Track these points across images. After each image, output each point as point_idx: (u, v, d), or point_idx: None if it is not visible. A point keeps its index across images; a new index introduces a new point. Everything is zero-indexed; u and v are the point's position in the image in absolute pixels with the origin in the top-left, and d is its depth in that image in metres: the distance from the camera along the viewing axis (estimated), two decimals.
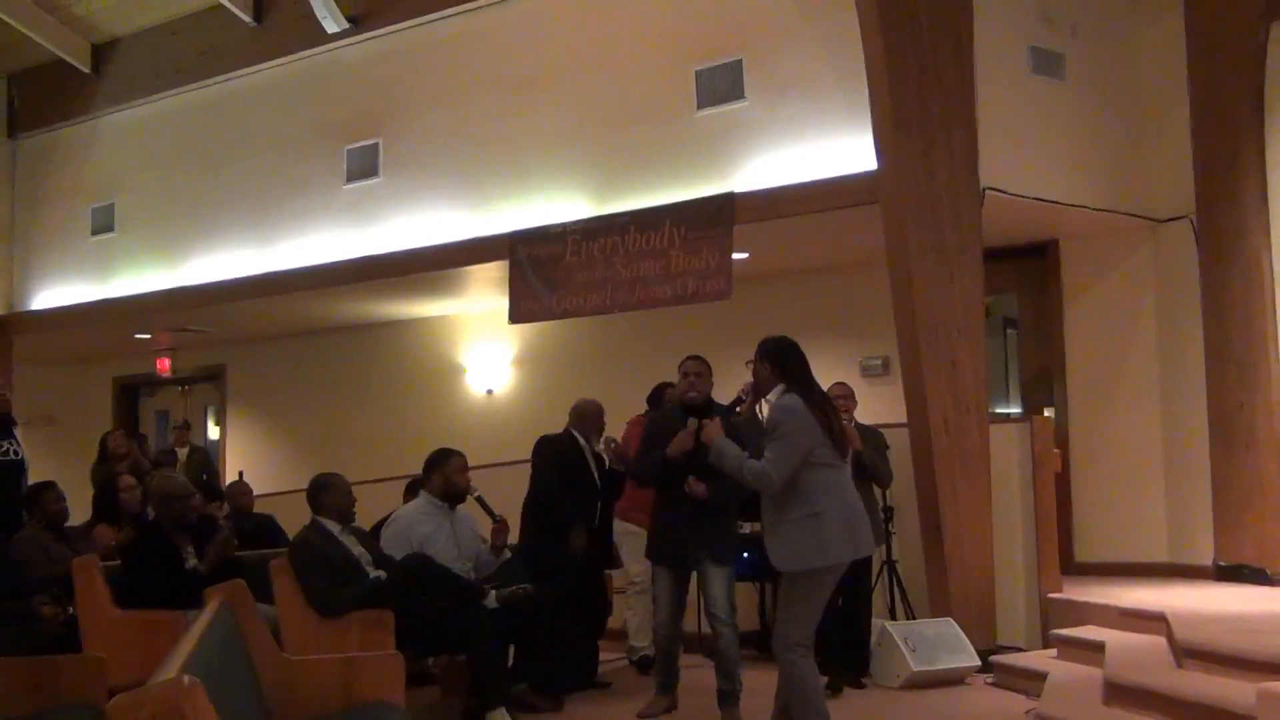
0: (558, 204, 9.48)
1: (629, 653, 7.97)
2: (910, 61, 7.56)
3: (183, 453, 10.95)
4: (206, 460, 10.88)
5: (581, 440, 7.40)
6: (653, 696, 6.45)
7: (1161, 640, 6.07)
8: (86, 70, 12.62)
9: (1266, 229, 7.88)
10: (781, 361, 5.34)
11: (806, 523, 5.09)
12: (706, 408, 6.10)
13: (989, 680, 6.98)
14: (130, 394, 14.82)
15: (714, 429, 5.48)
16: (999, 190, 7.83)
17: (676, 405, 6.52)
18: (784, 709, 5.35)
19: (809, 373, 5.34)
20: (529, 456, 7.57)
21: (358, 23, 10.50)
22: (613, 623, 8.02)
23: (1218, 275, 8.18)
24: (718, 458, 5.38)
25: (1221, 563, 8.06)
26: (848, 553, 5.17)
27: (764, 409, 5.46)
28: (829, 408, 5.27)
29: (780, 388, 5.28)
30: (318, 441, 12.15)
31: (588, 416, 7.48)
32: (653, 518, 6.59)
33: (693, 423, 5.98)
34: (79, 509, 8.49)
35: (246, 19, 11.29)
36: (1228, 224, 8.08)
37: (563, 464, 7.29)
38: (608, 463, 7.39)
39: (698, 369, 6.31)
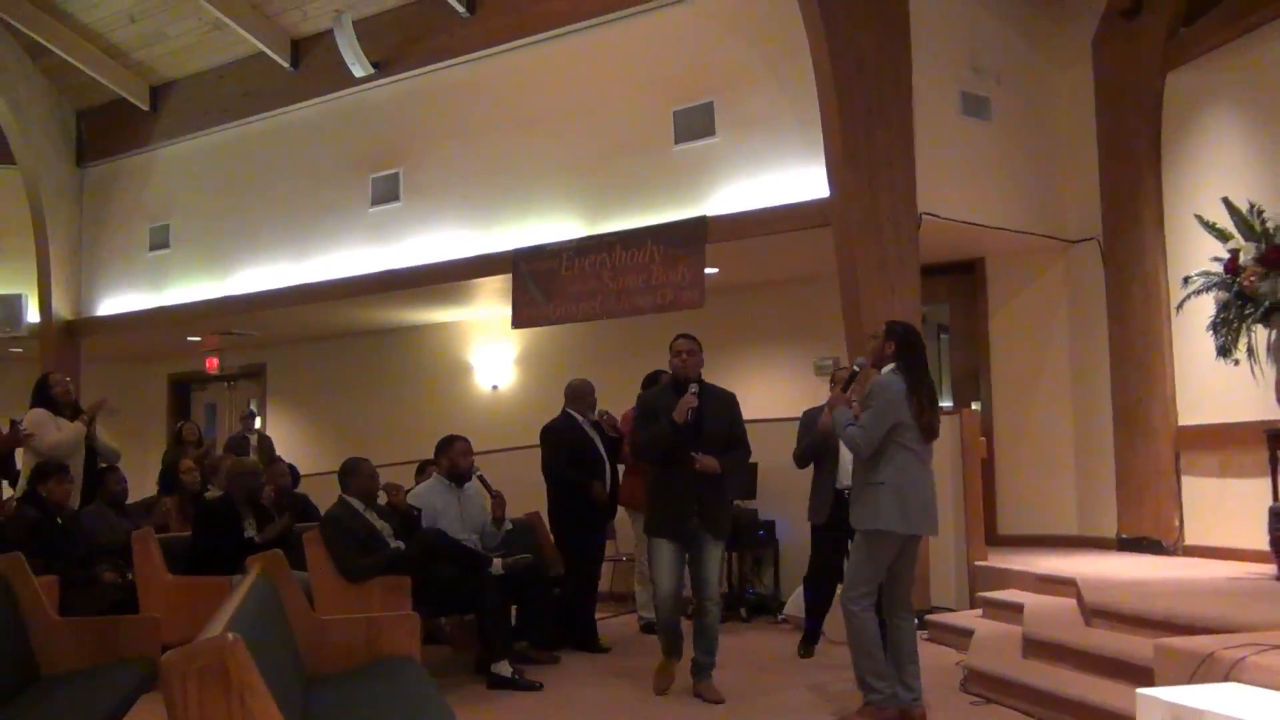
0: (554, 225, 9.47)
1: (638, 620, 7.81)
2: (858, 104, 7.57)
3: (253, 438, 10.94)
4: (272, 446, 10.84)
5: (579, 417, 7.29)
6: (661, 664, 5.91)
7: (1072, 602, 6.08)
8: (145, 108, 12.57)
9: (1163, 249, 7.91)
10: (903, 345, 5.10)
11: (872, 490, 4.98)
12: (698, 383, 5.71)
13: (925, 636, 6.97)
14: (182, 389, 14.75)
15: (837, 397, 5.24)
16: (934, 215, 7.85)
17: (668, 383, 6.01)
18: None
19: (925, 365, 5.15)
20: (530, 443, 7.57)
21: (381, 68, 10.48)
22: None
23: (1120, 288, 8.21)
24: (838, 417, 5.12)
25: (1123, 535, 8.08)
26: (901, 526, 4.96)
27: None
28: (928, 401, 5.03)
29: (891, 366, 5.07)
30: (346, 430, 12.11)
31: (581, 394, 7.38)
32: (651, 492, 5.97)
33: (694, 386, 5.64)
34: (137, 489, 8.48)
35: (285, 65, 11.27)
36: (1129, 244, 8.11)
37: (567, 443, 7.20)
38: (605, 431, 7.30)
39: (689, 346, 5.84)
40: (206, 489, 8.07)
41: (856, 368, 5.38)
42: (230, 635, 2.42)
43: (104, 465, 7.76)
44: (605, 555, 7.73)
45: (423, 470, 7.63)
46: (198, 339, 13.14)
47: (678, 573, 5.78)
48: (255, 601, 3.53)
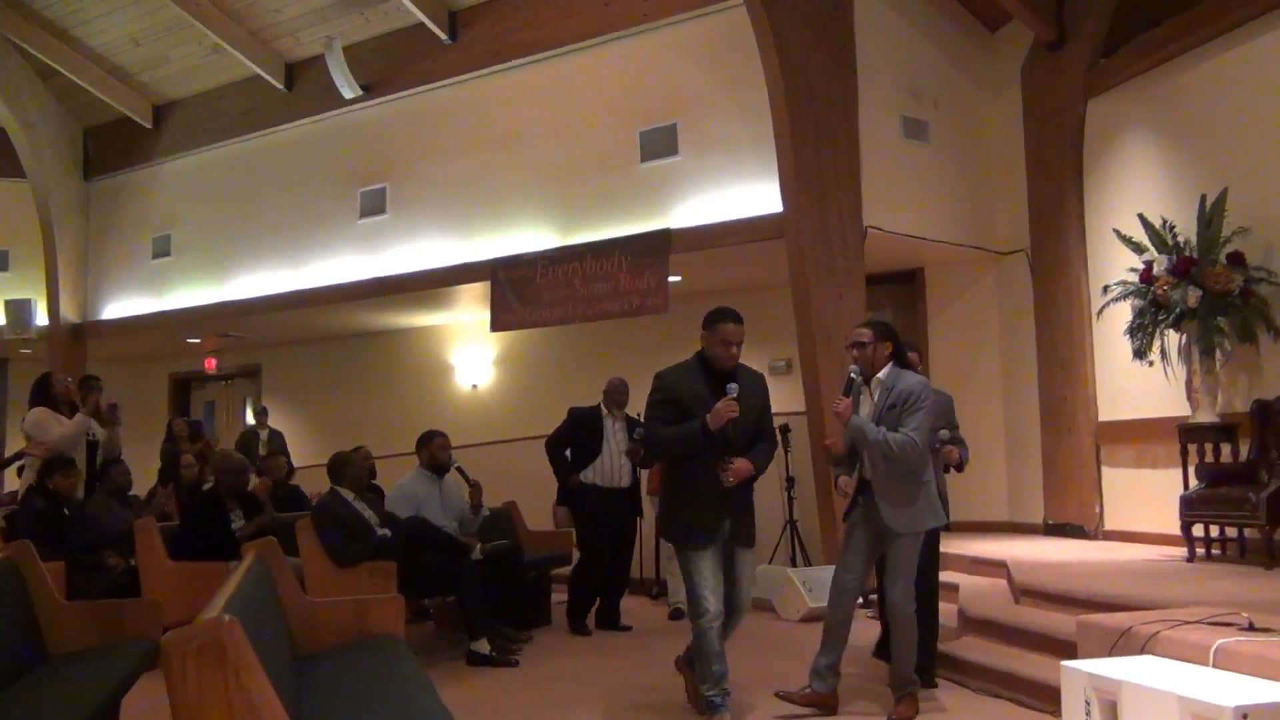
0: (529, 236, 9.45)
1: (670, 606, 7.68)
2: (808, 127, 7.60)
3: (263, 434, 10.82)
4: (283, 441, 10.74)
5: (605, 411, 7.20)
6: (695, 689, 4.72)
7: (1003, 582, 6.13)
8: (149, 126, 12.43)
9: (1085, 260, 7.98)
10: (897, 344, 4.73)
11: (922, 489, 4.61)
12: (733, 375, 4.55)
13: (869, 615, 7.00)
14: (183, 388, 14.58)
15: (846, 406, 4.51)
16: (878, 228, 7.89)
17: (695, 367, 4.65)
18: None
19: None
20: (507, 438, 7.59)
21: (369, 90, 10.42)
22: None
23: (1046, 296, 8.27)
24: (858, 434, 4.51)
25: (1049, 521, 8.15)
26: (941, 520, 4.78)
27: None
28: None
29: (891, 365, 4.64)
30: (336, 426, 12.00)
31: (609, 392, 7.27)
32: (676, 495, 4.78)
33: (733, 388, 4.46)
34: (141, 480, 8.37)
35: (279, 86, 11.20)
36: (1054, 256, 8.18)
37: (575, 425, 7.17)
38: (634, 434, 7.08)
39: (739, 335, 4.55)
40: (204, 481, 7.98)
41: (854, 376, 4.66)
42: (226, 617, 2.40)
43: (107, 459, 7.65)
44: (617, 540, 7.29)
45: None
46: (197, 341, 12.99)
47: (719, 584, 4.51)
48: (250, 585, 3.49)
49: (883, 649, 5.23)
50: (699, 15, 8.60)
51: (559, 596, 7.75)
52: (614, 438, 7.13)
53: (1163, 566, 6.16)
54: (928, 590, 4.94)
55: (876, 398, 4.65)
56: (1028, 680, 4.63)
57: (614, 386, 7.29)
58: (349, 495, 6.30)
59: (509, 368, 11.44)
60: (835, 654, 4.70)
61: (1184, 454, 6.53)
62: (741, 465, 4.48)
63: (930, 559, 5.00)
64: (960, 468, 5.55)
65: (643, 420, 4.92)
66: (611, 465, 7.10)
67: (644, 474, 7.45)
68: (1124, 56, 7.66)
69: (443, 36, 9.92)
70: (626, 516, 7.30)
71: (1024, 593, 5.64)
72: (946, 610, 6.09)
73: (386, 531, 6.20)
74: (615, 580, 7.22)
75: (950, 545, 7.50)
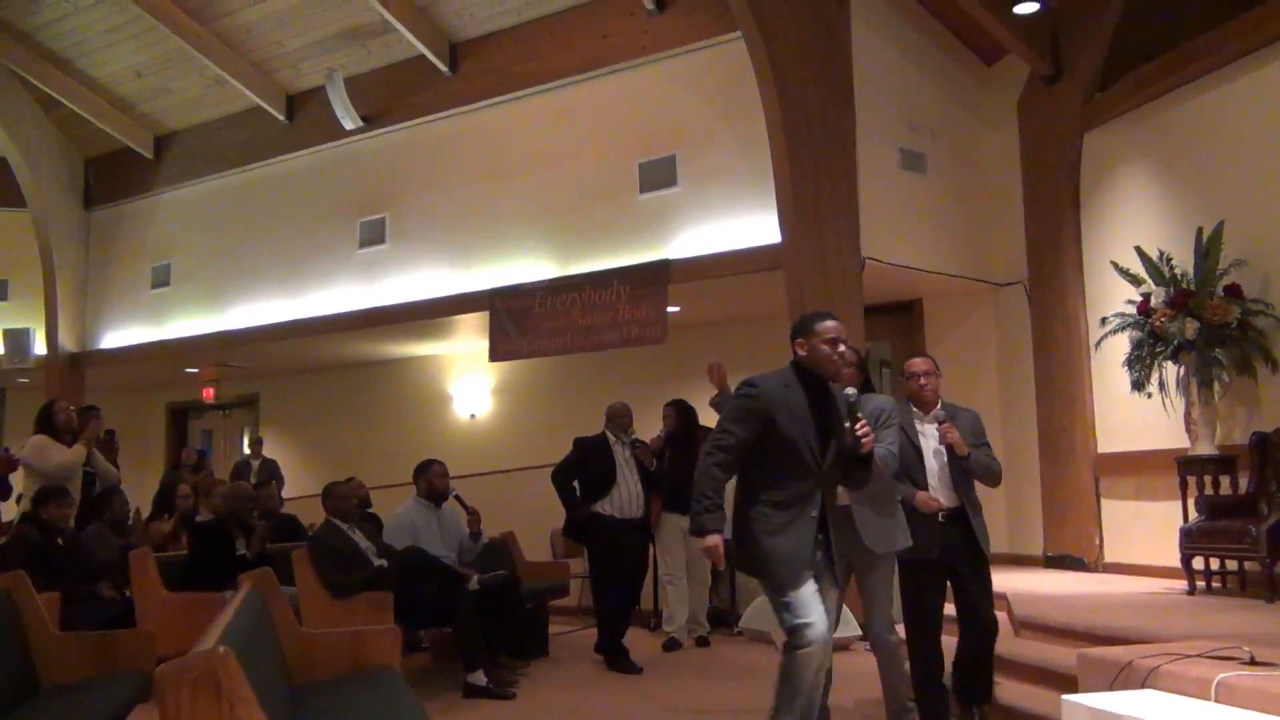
0: (528, 266, 9.47)
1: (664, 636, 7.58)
2: (806, 159, 7.63)
3: (256, 464, 10.81)
4: (274, 469, 10.74)
5: (611, 437, 6.98)
6: None
7: (1003, 614, 6.05)
8: (149, 156, 12.48)
9: (1082, 292, 8.00)
10: (865, 371, 4.78)
11: (896, 508, 4.56)
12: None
13: (867, 648, 6.95)
14: (180, 417, 14.58)
15: (868, 430, 4.04)
16: (876, 259, 7.90)
17: (792, 376, 4.07)
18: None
19: None
20: (505, 468, 7.57)
21: (369, 121, 10.48)
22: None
23: (1044, 328, 8.28)
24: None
25: (1049, 553, 8.11)
26: (909, 540, 4.61)
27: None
28: None
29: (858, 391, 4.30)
30: (334, 456, 11.98)
31: (612, 417, 7.06)
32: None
33: (851, 393, 4.08)
34: (138, 510, 8.35)
35: (280, 118, 11.26)
36: (1052, 288, 8.20)
37: (584, 456, 6.95)
38: (639, 459, 6.90)
39: (846, 334, 4.14)
40: (198, 512, 7.96)
41: (852, 399, 4.11)
42: (221, 648, 2.39)
43: (106, 488, 7.63)
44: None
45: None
46: (195, 370, 13.00)
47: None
48: (245, 616, 3.48)
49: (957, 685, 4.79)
50: (698, 48, 8.67)
51: (556, 628, 7.71)
52: (626, 465, 6.91)
53: (1163, 599, 6.13)
54: (985, 626, 4.74)
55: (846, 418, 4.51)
56: (1028, 714, 4.60)
57: (617, 411, 7.10)
58: (343, 525, 6.27)
59: (507, 398, 11.43)
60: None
61: (1183, 486, 6.51)
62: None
63: (984, 590, 4.80)
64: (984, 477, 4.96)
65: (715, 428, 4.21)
66: (627, 495, 6.87)
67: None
68: (1120, 90, 7.71)
69: (443, 68, 10.00)
70: (641, 549, 7.20)
71: (1024, 625, 5.61)
72: (946, 643, 6.06)
73: (383, 562, 6.17)
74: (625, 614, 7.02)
75: None
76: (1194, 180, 7.07)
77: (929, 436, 4.76)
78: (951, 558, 4.68)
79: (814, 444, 3.93)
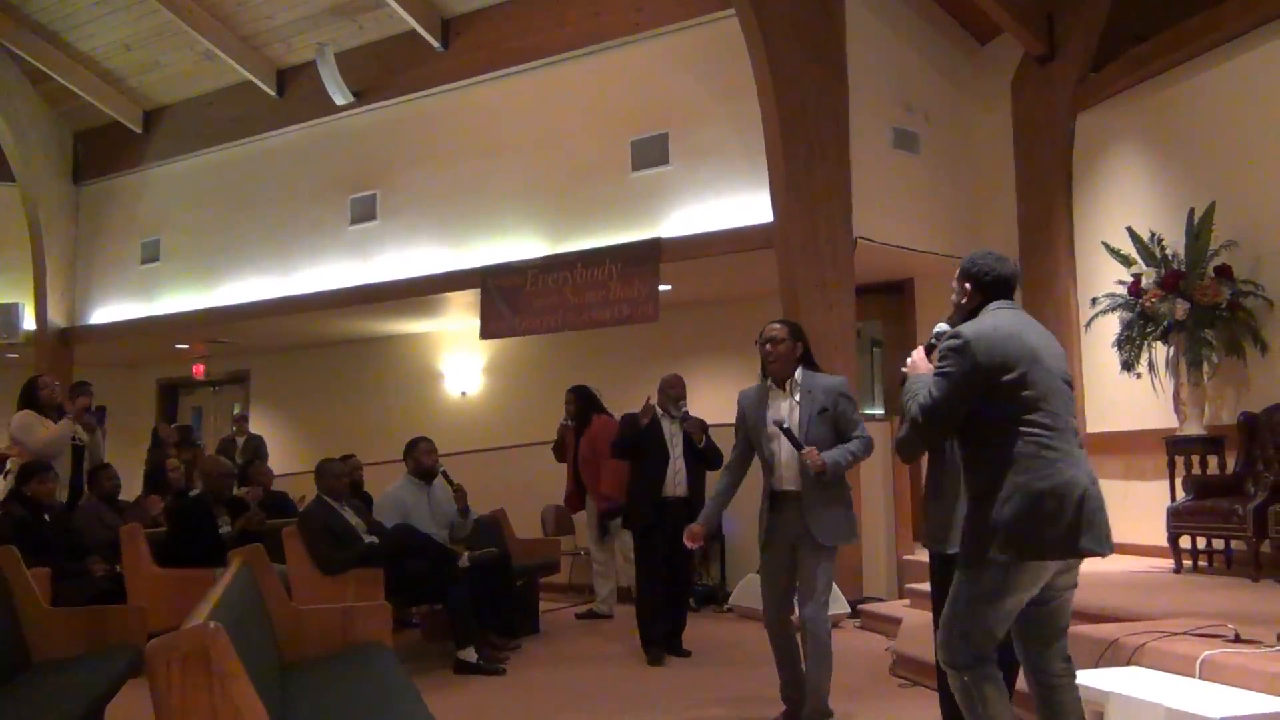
0: (520, 244, 9.45)
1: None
2: (799, 138, 7.62)
3: (241, 440, 10.82)
4: (260, 445, 10.73)
5: (660, 412, 6.42)
6: None
7: None
8: (139, 131, 12.40)
9: (1073, 272, 8.01)
10: (806, 345, 4.60)
11: (848, 501, 4.56)
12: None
13: (858, 624, 7.03)
14: (170, 393, 14.55)
15: (818, 459, 4.31)
16: (868, 239, 7.91)
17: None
18: None
19: None
20: (496, 445, 7.58)
21: (360, 97, 10.42)
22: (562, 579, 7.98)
23: (1035, 308, 8.25)
24: (838, 470, 4.40)
25: None
26: (856, 536, 4.57)
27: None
28: None
29: (802, 368, 4.51)
30: (325, 432, 11.98)
31: (662, 389, 6.48)
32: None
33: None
34: (130, 486, 8.33)
35: (270, 93, 11.19)
36: (1043, 268, 8.21)
37: (637, 433, 6.37)
38: (689, 434, 6.29)
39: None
40: (190, 487, 7.95)
41: (782, 424, 4.42)
42: (212, 624, 2.39)
43: (94, 465, 7.61)
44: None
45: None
46: (185, 346, 12.96)
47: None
48: (236, 592, 3.48)
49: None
50: (691, 25, 8.63)
51: (547, 605, 7.74)
52: (672, 440, 6.37)
53: (1150, 578, 6.17)
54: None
55: (800, 400, 4.46)
56: (1014, 692, 4.62)
57: (670, 383, 6.49)
58: (334, 502, 6.27)
59: (499, 375, 11.43)
60: (792, 672, 4.50)
61: (1171, 466, 6.55)
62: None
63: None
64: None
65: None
66: (671, 471, 6.33)
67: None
68: (1113, 71, 7.70)
69: (435, 44, 9.93)
70: (683, 528, 6.68)
71: None
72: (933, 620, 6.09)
73: (374, 539, 6.18)
74: (677, 600, 6.46)
75: None
76: (1186, 161, 7.07)
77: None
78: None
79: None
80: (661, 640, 6.19)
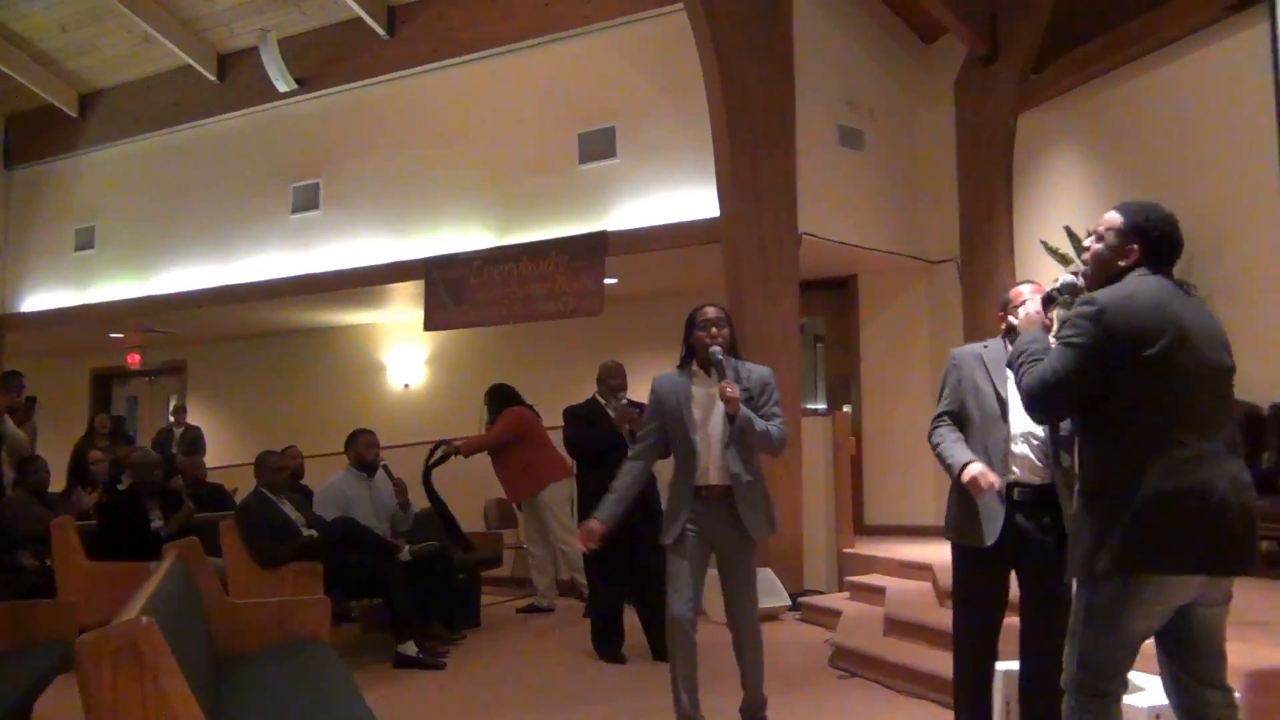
0: (465, 236, 9.39)
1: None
2: (746, 134, 7.65)
3: (179, 431, 10.63)
4: (197, 437, 10.55)
5: (601, 401, 6.16)
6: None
7: (928, 585, 6.20)
8: (74, 115, 12.11)
9: (1012, 270, 8.14)
10: (733, 332, 4.31)
11: (767, 491, 4.29)
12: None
13: (797, 617, 7.09)
14: (104, 383, 14.24)
15: (735, 390, 4.05)
16: (812, 235, 7.97)
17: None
18: None
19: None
20: (439, 439, 7.51)
21: (304, 84, 10.28)
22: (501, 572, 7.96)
23: (975, 304, 8.41)
24: (748, 424, 4.05)
25: None
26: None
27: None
28: None
29: (729, 355, 4.19)
30: (265, 424, 11.81)
31: (602, 378, 6.23)
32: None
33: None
34: (59, 477, 8.15)
35: (211, 78, 11.00)
36: (983, 265, 8.33)
37: (581, 426, 6.08)
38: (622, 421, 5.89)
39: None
40: (119, 480, 7.79)
41: (719, 356, 4.16)
42: (144, 619, 2.35)
43: (25, 457, 7.44)
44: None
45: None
46: (120, 336, 12.70)
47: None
48: (170, 586, 3.42)
49: None
50: (639, 19, 8.63)
51: (489, 598, 7.72)
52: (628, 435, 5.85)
53: None
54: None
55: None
56: (950, 681, 4.69)
57: (609, 371, 6.24)
58: (272, 495, 6.19)
59: (442, 367, 11.36)
60: (692, 679, 4.17)
61: None
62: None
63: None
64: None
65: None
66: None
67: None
68: (1054, 72, 7.84)
69: (380, 32, 9.83)
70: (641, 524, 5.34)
71: (949, 595, 5.70)
72: (873, 611, 6.18)
73: (313, 532, 6.11)
74: (648, 599, 5.75)
75: (878, 549, 7.63)
76: (1122, 162, 7.22)
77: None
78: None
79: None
80: (618, 638, 6.01)
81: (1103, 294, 2.68)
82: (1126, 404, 2.60)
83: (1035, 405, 2.76)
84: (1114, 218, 2.80)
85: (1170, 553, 2.51)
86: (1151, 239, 2.77)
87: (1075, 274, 2.84)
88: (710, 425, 4.17)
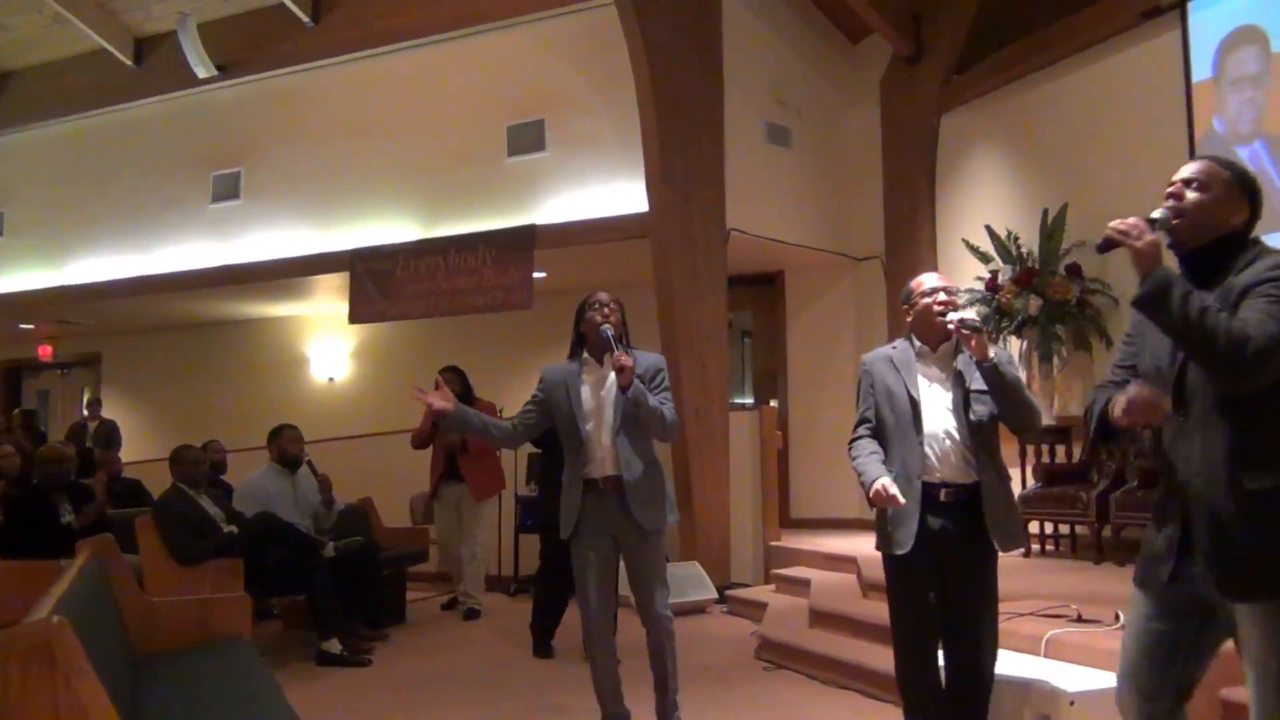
0: (392, 227, 9.27)
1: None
2: (675, 129, 7.67)
3: (93, 425, 10.28)
4: (113, 431, 10.23)
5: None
6: None
7: (852, 578, 6.29)
8: None
9: (935, 268, 8.28)
10: (624, 318, 4.15)
11: (664, 480, 4.17)
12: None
13: (724, 610, 7.14)
14: (13, 376, 13.79)
15: (629, 361, 3.91)
16: (740, 231, 8.03)
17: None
18: None
19: None
20: (364, 432, 7.39)
21: (224, 70, 10.04)
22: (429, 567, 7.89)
23: (899, 301, 8.55)
24: (643, 397, 3.89)
25: None
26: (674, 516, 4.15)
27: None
28: None
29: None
30: (183, 418, 11.52)
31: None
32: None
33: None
34: None
35: (128, 62, 10.68)
36: (907, 263, 8.45)
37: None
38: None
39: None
40: (31, 476, 7.52)
41: (610, 334, 4.02)
42: (56, 618, 2.29)
43: None
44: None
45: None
46: (31, 326, 12.29)
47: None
48: (83, 584, 3.33)
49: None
50: (569, 12, 8.59)
51: (414, 594, 7.64)
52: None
53: (1000, 561, 6.43)
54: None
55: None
56: (873, 671, 4.77)
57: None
58: (190, 490, 6.05)
59: (367, 361, 11.21)
60: (615, 685, 4.10)
61: (1022, 455, 6.85)
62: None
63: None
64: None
65: None
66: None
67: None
68: (976, 74, 7.99)
69: (304, 18, 9.64)
70: None
71: (871, 587, 5.81)
72: (798, 604, 6.24)
73: (233, 528, 5.99)
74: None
75: (804, 542, 7.71)
76: (1041, 163, 7.40)
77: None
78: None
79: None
80: (551, 635, 5.99)
81: None
82: None
83: (1262, 364, 2.15)
84: (1214, 169, 2.38)
85: None
86: (1258, 201, 2.39)
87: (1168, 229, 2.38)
88: (602, 414, 4.01)
